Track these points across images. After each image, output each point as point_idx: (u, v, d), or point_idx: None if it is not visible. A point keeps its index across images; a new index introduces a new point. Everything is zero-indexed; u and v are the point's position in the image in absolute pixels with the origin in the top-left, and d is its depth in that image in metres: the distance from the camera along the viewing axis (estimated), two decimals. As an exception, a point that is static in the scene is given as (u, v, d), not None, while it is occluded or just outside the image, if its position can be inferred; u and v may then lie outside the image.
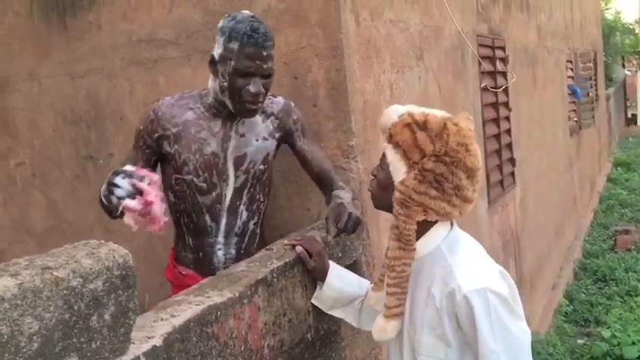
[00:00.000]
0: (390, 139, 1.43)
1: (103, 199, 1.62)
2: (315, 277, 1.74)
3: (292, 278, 1.66)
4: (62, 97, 2.67)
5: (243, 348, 1.41)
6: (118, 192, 1.54)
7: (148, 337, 1.13)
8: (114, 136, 2.57)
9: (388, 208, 1.47)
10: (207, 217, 1.87)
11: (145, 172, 1.60)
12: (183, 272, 1.95)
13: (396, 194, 1.41)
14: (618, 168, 11.59)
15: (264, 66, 1.73)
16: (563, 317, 5.53)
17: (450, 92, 3.20)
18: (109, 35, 2.51)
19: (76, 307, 0.95)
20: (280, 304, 1.60)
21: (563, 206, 6.66)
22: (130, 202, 1.52)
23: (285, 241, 1.77)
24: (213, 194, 1.86)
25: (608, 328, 4.86)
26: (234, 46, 1.71)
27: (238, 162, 1.86)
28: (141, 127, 1.89)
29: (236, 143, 1.86)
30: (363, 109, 2.18)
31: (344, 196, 1.82)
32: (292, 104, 1.96)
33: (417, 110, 1.44)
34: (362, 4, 2.23)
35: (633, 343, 4.50)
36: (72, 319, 0.94)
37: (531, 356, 1.39)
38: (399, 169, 1.41)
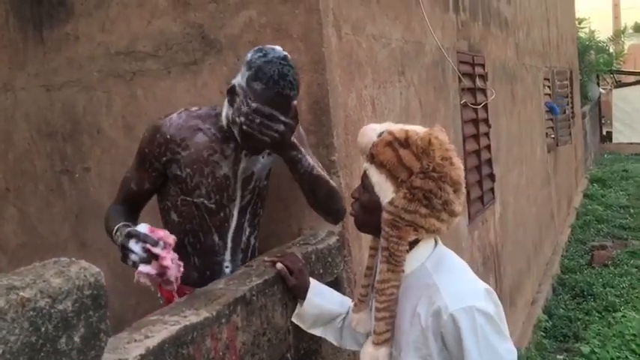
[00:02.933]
0: (372, 159, 1.41)
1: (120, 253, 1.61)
2: (296, 294, 1.70)
3: (272, 296, 1.62)
4: (37, 109, 2.61)
5: (220, 369, 1.36)
6: (133, 257, 1.55)
7: (121, 360, 1.08)
8: (90, 149, 2.51)
9: (373, 231, 1.44)
10: (216, 237, 1.85)
11: (161, 233, 1.58)
12: (187, 292, 1.82)
13: (386, 215, 1.37)
14: (594, 184, 11.76)
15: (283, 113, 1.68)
16: (542, 333, 5.54)
17: (431, 108, 3.21)
18: (86, 47, 2.46)
19: (43, 329, 0.90)
20: (259, 323, 1.55)
21: (541, 222, 6.72)
22: (143, 269, 1.53)
23: (266, 258, 1.74)
24: (222, 214, 1.84)
25: (587, 343, 4.89)
26: (258, 87, 1.63)
27: (246, 182, 1.85)
28: (146, 150, 1.79)
29: (245, 164, 1.83)
30: (344, 123, 2.17)
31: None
32: None
33: (396, 127, 1.42)
34: (344, 19, 2.22)
35: None
36: (39, 342, 0.89)
37: (516, 376, 1.37)
38: (385, 190, 1.38)
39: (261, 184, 1.89)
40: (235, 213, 1.86)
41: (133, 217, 1.89)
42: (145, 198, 1.90)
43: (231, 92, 1.70)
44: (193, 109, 1.86)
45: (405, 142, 1.37)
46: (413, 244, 1.42)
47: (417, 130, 1.41)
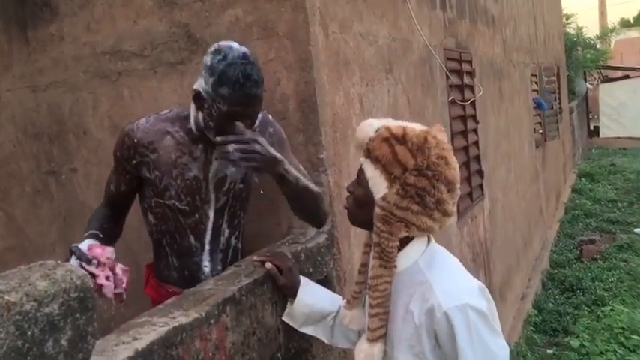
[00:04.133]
0: (368, 154, 1.41)
1: None
2: (286, 293, 1.70)
3: (262, 295, 1.62)
4: (23, 110, 2.59)
5: (210, 370, 1.36)
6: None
7: (109, 362, 1.07)
8: (77, 150, 2.50)
9: (366, 225, 1.44)
10: (192, 238, 1.86)
11: (97, 251, 1.64)
12: (170, 290, 1.89)
13: (378, 210, 1.38)
14: (582, 179, 11.85)
15: (254, 109, 1.69)
16: (532, 327, 5.58)
17: (419, 105, 3.21)
18: (71, 47, 2.44)
19: (29, 333, 0.89)
20: (249, 322, 1.55)
21: (530, 217, 6.76)
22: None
23: (255, 257, 1.73)
24: (196, 216, 1.84)
25: (576, 337, 4.93)
26: (224, 91, 1.63)
27: (219, 185, 1.85)
28: (118, 154, 1.84)
29: (217, 167, 1.83)
30: (332, 122, 2.16)
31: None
32: (270, 117, 1.92)
33: (394, 124, 1.42)
34: (331, 17, 2.22)
35: (601, 353, 4.56)
36: (25, 346, 0.88)
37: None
38: (379, 185, 1.38)
39: (237, 187, 1.87)
40: (211, 215, 1.86)
41: (116, 219, 1.95)
42: (125, 199, 1.93)
43: (198, 98, 1.70)
44: (163, 112, 1.86)
45: (402, 138, 1.37)
46: (406, 242, 1.43)
47: (415, 127, 1.41)
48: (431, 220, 1.37)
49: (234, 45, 1.68)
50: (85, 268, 1.56)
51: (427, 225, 1.37)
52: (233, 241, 1.92)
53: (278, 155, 1.67)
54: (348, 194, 1.49)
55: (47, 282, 0.94)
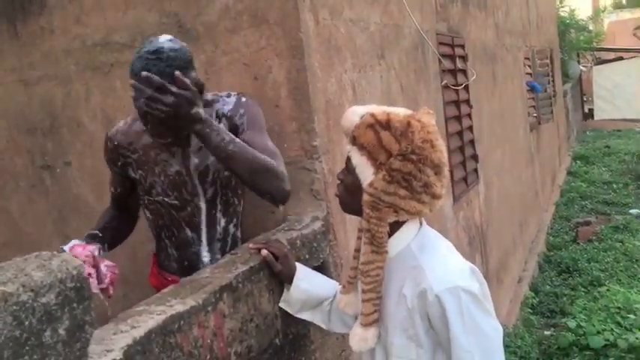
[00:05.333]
0: (354, 141, 1.41)
1: None
2: (282, 280, 1.71)
3: (258, 283, 1.63)
4: (15, 105, 2.58)
5: (208, 357, 1.37)
6: None
7: (107, 351, 1.08)
8: (71, 144, 2.49)
9: (357, 212, 1.44)
10: (188, 230, 1.88)
11: (78, 250, 1.69)
12: (170, 278, 1.93)
13: (366, 197, 1.38)
14: (577, 161, 11.88)
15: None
16: (529, 309, 5.62)
17: (412, 91, 3.21)
18: (62, 40, 2.43)
19: (26, 323, 0.90)
20: (247, 309, 1.56)
21: (525, 200, 6.78)
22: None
23: (251, 245, 1.74)
24: (188, 209, 1.86)
25: (573, 318, 4.96)
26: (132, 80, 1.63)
27: (203, 176, 1.85)
28: (106, 158, 1.94)
29: (196, 158, 1.83)
30: (325, 108, 2.17)
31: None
32: (244, 99, 1.87)
33: (378, 110, 1.42)
34: (321, 3, 2.21)
35: (598, 333, 4.60)
36: (23, 336, 0.89)
37: (503, 352, 1.39)
38: (366, 172, 1.38)
39: (222, 176, 1.86)
40: (203, 206, 1.86)
41: (125, 217, 2.04)
42: (125, 199, 2.00)
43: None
44: None
45: (386, 124, 1.37)
46: (398, 226, 1.43)
47: (400, 112, 1.41)
48: (420, 204, 1.37)
49: (160, 39, 1.65)
50: None
51: (416, 209, 1.37)
52: (231, 229, 1.92)
53: (200, 114, 1.61)
54: (339, 182, 1.49)
55: (43, 272, 0.94)
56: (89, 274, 1.64)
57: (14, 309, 0.88)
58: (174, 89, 1.57)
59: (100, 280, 1.68)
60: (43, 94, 2.51)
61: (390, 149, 1.35)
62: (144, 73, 1.57)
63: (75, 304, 0.98)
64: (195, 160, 1.83)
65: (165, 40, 1.65)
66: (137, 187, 1.92)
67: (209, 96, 1.86)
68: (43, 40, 2.47)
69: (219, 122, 1.81)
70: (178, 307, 1.31)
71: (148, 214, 1.93)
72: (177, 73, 1.58)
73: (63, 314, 0.96)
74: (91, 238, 1.87)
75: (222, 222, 1.90)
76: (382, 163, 1.36)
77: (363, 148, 1.38)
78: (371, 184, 1.37)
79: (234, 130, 1.80)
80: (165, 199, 1.85)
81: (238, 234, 1.95)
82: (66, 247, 1.72)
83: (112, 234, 1.96)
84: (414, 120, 1.37)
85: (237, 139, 1.69)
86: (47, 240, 2.59)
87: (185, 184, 1.84)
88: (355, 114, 1.44)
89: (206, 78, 2.17)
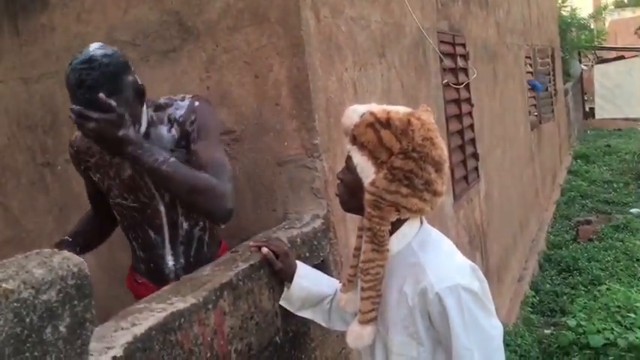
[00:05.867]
0: (354, 140, 1.41)
1: None
2: (283, 278, 1.71)
3: (259, 280, 1.63)
4: (16, 102, 2.59)
5: (209, 354, 1.37)
6: None
7: (108, 348, 1.09)
8: (71, 141, 2.49)
9: (358, 211, 1.44)
10: (151, 232, 1.87)
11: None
12: (139, 280, 1.95)
13: (367, 196, 1.38)
14: (578, 160, 11.88)
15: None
16: (529, 308, 5.62)
17: (413, 89, 3.21)
18: (62, 38, 2.43)
19: (27, 320, 0.90)
20: (247, 307, 1.56)
21: (526, 199, 6.78)
22: None
23: (251, 243, 1.74)
24: (149, 211, 1.84)
25: (573, 317, 4.96)
26: (69, 94, 1.61)
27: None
28: (72, 163, 1.98)
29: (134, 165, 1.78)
30: (326, 107, 2.17)
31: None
32: (197, 103, 1.80)
33: (378, 108, 1.42)
34: (322, 2, 2.21)
35: (598, 332, 4.60)
36: (24, 333, 0.89)
37: (503, 351, 1.39)
38: (367, 171, 1.39)
39: None
40: (162, 209, 1.84)
41: (100, 218, 2.04)
42: (98, 201, 1.99)
43: None
44: None
45: (386, 122, 1.37)
46: (399, 224, 1.44)
47: (400, 110, 1.41)
48: (421, 202, 1.38)
49: (91, 47, 1.62)
50: None
51: (418, 206, 1.38)
52: (197, 232, 1.88)
53: (128, 136, 1.60)
54: (339, 181, 1.49)
55: (44, 270, 0.94)
56: None
57: (15, 306, 0.88)
58: (94, 115, 1.55)
59: None
60: (44, 91, 2.51)
61: (390, 148, 1.35)
62: (70, 107, 1.58)
63: (76, 302, 0.98)
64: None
65: (95, 47, 1.62)
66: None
67: (162, 100, 1.83)
68: (44, 38, 2.47)
69: (172, 127, 1.77)
70: (179, 304, 1.31)
71: (117, 216, 1.93)
72: (100, 95, 1.55)
73: (64, 311, 0.96)
74: (62, 245, 1.83)
75: (185, 225, 1.86)
76: (383, 162, 1.36)
77: (364, 147, 1.38)
78: (372, 183, 1.37)
79: (186, 136, 1.76)
80: (124, 202, 1.85)
81: (205, 237, 1.90)
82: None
83: (84, 237, 1.98)
84: (414, 118, 1.37)
85: (172, 159, 1.65)
86: (48, 237, 2.59)
87: (140, 187, 1.81)
88: (355, 113, 1.44)
89: (207, 76, 2.17)
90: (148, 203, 1.83)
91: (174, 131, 1.77)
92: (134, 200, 1.83)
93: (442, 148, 1.39)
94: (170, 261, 1.87)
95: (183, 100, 1.82)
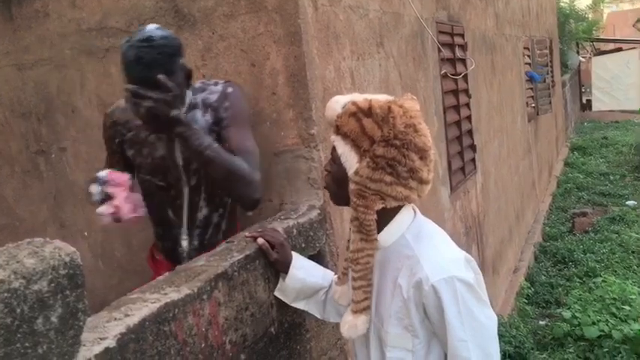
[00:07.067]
0: (338, 130, 1.40)
1: None
2: (278, 268, 1.70)
3: (254, 271, 1.62)
4: (9, 89, 2.55)
5: (203, 345, 1.36)
6: (93, 198, 1.72)
7: (101, 339, 1.07)
8: (65, 129, 2.47)
9: (347, 202, 1.43)
10: (170, 212, 1.92)
11: (115, 175, 1.74)
12: (157, 257, 2.02)
13: (352, 185, 1.37)
14: (575, 152, 11.89)
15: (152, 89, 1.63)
16: (524, 300, 5.64)
17: (410, 79, 3.19)
18: (57, 24, 2.40)
19: (18, 310, 0.88)
20: (242, 298, 1.55)
21: (522, 191, 6.78)
22: (99, 209, 1.71)
23: (247, 233, 1.73)
24: (172, 192, 1.89)
25: (568, 309, 4.98)
26: (124, 70, 1.66)
27: (187, 163, 1.85)
28: (104, 135, 1.96)
29: (180, 147, 1.82)
30: (323, 96, 2.14)
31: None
32: (230, 89, 1.85)
33: (360, 97, 1.41)
34: (320, -10, 2.18)
35: (593, 323, 4.62)
36: (14, 323, 0.88)
37: (498, 342, 1.39)
38: (350, 160, 1.37)
39: None
40: (186, 192, 1.88)
41: None
42: None
43: None
44: None
45: (368, 111, 1.36)
46: (392, 216, 1.42)
47: (381, 99, 1.40)
48: (407, 190, 1.36)
49: (149, 27, 1.68)
50: (104, 191, 1.70)
51: (403, 194, 1.36)
52: (215, 218, 1.93)
53: (179, 117, 1.65)
54: (326, 173, 1.48)
55: (35, 259, 0.93)
56: (125, 199, 1.73)
57: (5, 296, 0.87)
58: (152, 94, 1.59)
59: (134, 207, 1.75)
60: (38, 78, 2.48)
61: (372, 136, 1.34)
62: (125, 86, 1.64)
63: (68, 292, 0.97)
64: (180, 148, 1.82)
65: (153, 28, 1.68)
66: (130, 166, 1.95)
67: (197, 84, 1.87)
68: (38, 23, 2.43)
69: (206, 112, 1.82)
70: (173, 295, 1.30)
71: (141, 192, 1.95)
72: (159, 76, 1.60)
73: (55, 302, 0.95)
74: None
75: (205, 210, 1.91)
76: (366, 150, 1.34)
77: (347, 137, 1.37)
78: (356, 172, 1.36)
79: (219, 121, 1.81)
80: (153, 180, 1.90)
81: (223, 225, 1.94)
82: (103, 173, 1.75)
83: None
84: (395, 105, 1.36)
85: (215, 144, 1.71)
86: (42, 225, 2.58)
87: (169, 168, 1.86)
88: (338, 103, 1.43)
89: (203, 64, 2.15)
90: (174, 184, 1.87)
91: (208, 116, 1.81)
92: (161, 179, 1.88)
93: (426, 135, 1.38)
94: (184, 241, 1.92)
95: (216, 85, 1.86)
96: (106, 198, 1.70)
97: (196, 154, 1.69)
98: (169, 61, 1.65)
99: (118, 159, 1.95)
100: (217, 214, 1.93)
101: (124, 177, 1.75)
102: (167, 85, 1.61)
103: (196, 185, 1.88)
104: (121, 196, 1.70)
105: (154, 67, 1.61)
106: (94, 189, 1.71)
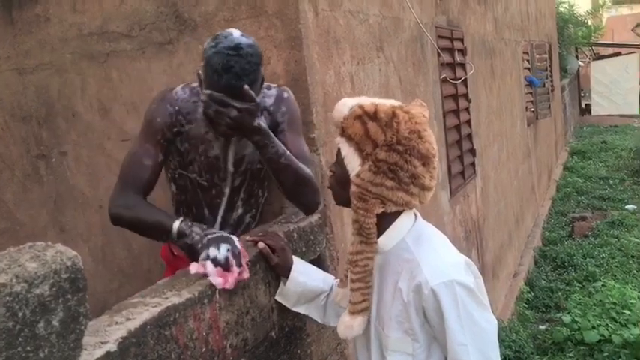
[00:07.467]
0: (343, 133, 1.41)
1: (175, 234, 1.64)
2: (279, 273, 1.70)
3: (255, 275, 1.62)
4: (10, 93, 2.56)
5: (204, 349, 1.36)
6: (213, 253, 1.49)
7: (102, 343, 1.07)
8: (66, 133, 2.47)
9: (349, 204, 1.44)
10: (206, 211, 1.90)
11: (243, 250, 1.55)
12: (175, 252, 1.95)
13: (353, 188, 1.38)
14: (574, 157, 11.89)
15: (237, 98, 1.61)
16: (524, 304, 5.64)
17: (410, 84, 3.20)
18: (58, 28, 2.40)
19: (20, 314, 0.89)
20: (242, 302, 1.55)
21: (522, 195, 6.79)
22: (214, 277, 1.45)
23: (247, 237, 1.73)
24: (213, 191, 1.87)
25: (568, 313, 4.98)
26: (208, 78, 1.60)
27: (237, 165, 1.85)
28: (159, 120, 1.76)
29: (235, 147, 1.83)
30: (324, 101, 2.15)
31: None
32: (285, 94, 1.86)
33: (367, 101, 1.42)
34: (320, -5, 2.19)
35: (593, 328, 4.61)
36: (16, 327, 0.88)
37: (498, 346, 1.39)
38: (353, 163, 1.38)
39: (254, 167, 1.88)
40: (227, 192, 1.88)
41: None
42: (157, 174, 1.80)
43: (198, 79, 1.69)
44: (194, 84, 1.82)
45: (374, 115, 1.37)
46: (392, 219, 1.43)
47: (389, 103, 1.40)
48: (408, 195, 1.37)
49: (235, 34, 1.63)
50: (228, 261, 1.48)
51: (404, 200, 1.37)
52: (247, 219, 1.94)
53: (260, 126, 1.63)
54: (330, 174, 1.49)
55: (37, 263, 0.93)
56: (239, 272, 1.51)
57: (7, 300, 0.87)
58: (237, 104, 1.58)
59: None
60: (39, 82, 2.49)
61: (375, 140, 1.34)
62: (206, 92, 1.59)
63: (69, 295, 0.97)
64: (233, 149, 1.83)
65: (238, 35, 1.63)
66: (171, 158, 1.84)
67: None
68: (39, 28, 2.44)
69: (261, 115, 1.73)
70: (174, 299, 1.30)
71: (174, 189, 1.92)
72: (245, 87, 1.57)
73: (57, 305, 0.95)
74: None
75: (240, 210, 1.92)
76: (368, 154, 1.35)
77: (351, 140, 1.38)
78: (358, 175, 1.37)
79: (275, 126, 1.80)
80: (197, 178, 1.85)
81: (252, 226, 1.96)
82: (236, 242, 1.55)
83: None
84: (400, 110, 1.37)
85: (288, 152, 1.71)
86: (42, 230, 2.58)
87: (219, 169, 1.84)
88: (345, 106, 1.44)
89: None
90: (217, 184, 1.86)
91: (262, 119, 1.75)
92: (207, 179, 1.85)
93: (431, 142, 1.38)
94: None
95: (269, 88, 1.85)
96: (224, 265, 1.47)
97: (271, 161, 1.69)
98: (255, 70, 1.62)
99: (166, 150, 1.79)
100: (249, 215, 1.94)
101: (247, 255, 1.58)
102: (251, 95, 1.58)
103: (238, 186, 1.88)
104: (246, 269, 1.52)
105: (241, 76, 1.57)
106: (223, 249, 1.50)
